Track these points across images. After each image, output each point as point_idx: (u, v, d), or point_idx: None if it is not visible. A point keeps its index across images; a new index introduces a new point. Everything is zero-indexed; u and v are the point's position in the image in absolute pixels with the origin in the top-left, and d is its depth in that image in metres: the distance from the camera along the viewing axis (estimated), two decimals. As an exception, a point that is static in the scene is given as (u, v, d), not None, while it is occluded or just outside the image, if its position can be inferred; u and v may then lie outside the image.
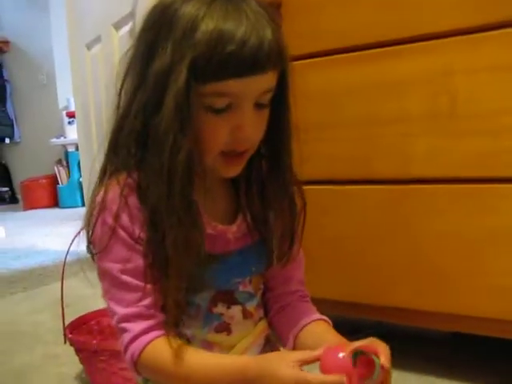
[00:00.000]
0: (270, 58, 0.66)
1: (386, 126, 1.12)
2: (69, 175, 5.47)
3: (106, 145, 0.76)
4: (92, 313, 1.48)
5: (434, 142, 1.09)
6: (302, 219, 0.81)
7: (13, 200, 6.17)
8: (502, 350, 1.29)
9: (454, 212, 1.09)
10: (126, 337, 0.72)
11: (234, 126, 0.69)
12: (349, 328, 0.86)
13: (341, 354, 0.62)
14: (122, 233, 0.71)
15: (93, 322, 1.45)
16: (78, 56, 2.61)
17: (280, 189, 0.79)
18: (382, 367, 0.62)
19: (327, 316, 0.83)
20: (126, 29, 1.98)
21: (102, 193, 0.74)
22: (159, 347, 0.71)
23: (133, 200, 0.71)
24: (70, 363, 1.43)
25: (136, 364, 0.72)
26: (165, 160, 0.67)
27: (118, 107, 0.76)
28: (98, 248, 0.74)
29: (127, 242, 0.71)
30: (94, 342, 1.24)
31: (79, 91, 2.68)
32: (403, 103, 1.10)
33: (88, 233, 0.75)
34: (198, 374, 0.70)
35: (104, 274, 0.74)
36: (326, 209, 1.01)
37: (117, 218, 0.71)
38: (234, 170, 0.74)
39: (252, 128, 0.69)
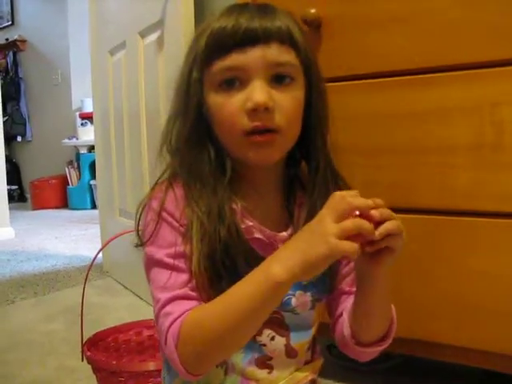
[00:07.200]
0: (271, 31, 0.70)
1: (429, 154, 1.08)
2: (79, 177, 5.45)
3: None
4: (108, 329, 1.44)
5: (478, 173, 1.05)
6: None
7: (21, 198, 6.16)
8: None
9: (494, 247, 1.05)
10: (169, 320, 0.68)
11: (245, 99, 0.69)
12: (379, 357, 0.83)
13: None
14: (167, 217, 0.72)
15: (109, 339, 1.41)
16: (99, 61, 2.59)
17: (320, 196, 0.75)
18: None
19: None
20: (153, 37, 1.95)
21: (151, 189, 0.77)
22: (197, 309, 0.68)
23: (179, 191, 0.73)
24: (86, 379, 1.39)
25: (178, 344, 0.66)
26: (192, 160, 0.74)
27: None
28: (146, 236, 0.73)
29: (173, 225, 0.72)
30: (114, 362, 1.20)
31: (99, 96, 2.66)
32: (448, 132, 1.06)
33: (137, 223, 0.75)
34: (232, 299, 0.65)
35: (150, 262, 0.73)
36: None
37: (162, 203, 0.72)
38: (264, 154, 0.72)
39: (263, 96, 0.68)
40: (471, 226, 1.07)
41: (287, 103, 0.71)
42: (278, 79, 0.71)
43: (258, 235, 0.74)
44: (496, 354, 1.06)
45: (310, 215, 0.75)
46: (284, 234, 0.77)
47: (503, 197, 1.04)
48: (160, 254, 0.71)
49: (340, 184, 0.81)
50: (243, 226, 0.73)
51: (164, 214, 0.72)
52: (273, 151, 0.72)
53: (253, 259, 0.69)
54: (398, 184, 1.12)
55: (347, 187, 0.81)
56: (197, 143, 0.74)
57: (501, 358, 1.06)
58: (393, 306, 0.79)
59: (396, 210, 1.14)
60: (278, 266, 0.62)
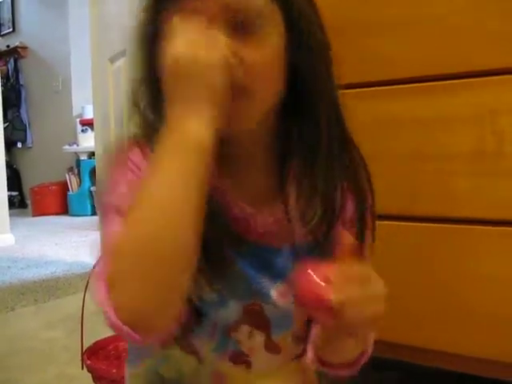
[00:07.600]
0: None
1: (430, 162, 1.08)
2: (80, 183, 5.45)
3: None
4: (109, 338, 1.44)
5: (478, 181, 1.05)
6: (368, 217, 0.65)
7: (21, 205, 6.16)
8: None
9: (495, 255, 1.05)
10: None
11: None
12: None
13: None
14: (131, 165, 0.62)
15: (110, 347, 1.41)
16: (100, 68, 2.60)
17: (321, 170, 0.64)
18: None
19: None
20: (153, 45, 1.95)
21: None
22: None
23: (146, 151, 0.62)
24: (86, 388, 1.39)
25: (106, 279, 0.52)
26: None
27: None
28: (106, 186, 0.65)
29: (136, 173, 0.61)
30: (114, 370, 1.20)
31: (99, 102, 2.66)
32: (449, 140, 1.06)
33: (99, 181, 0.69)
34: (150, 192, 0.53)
35: (105, 211, 0.61)
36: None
37: (127, 154, 0.63)
38: (230, 121, 0.57)
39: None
40: (470, 234, 1.07)
41: (255, 57, 0.57)
42: (242, 26, 0.57)
43: (236, 212, 0.64)
44: (497, 360, 1.06)
45: (303, 196, 0.64)
46: (265, 213, 0.65)
47: (503, 205, 1.04)
48: (114, 199, 0.61)
49: (353, 156, 0.71)
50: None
51: (129, 163, 0.62)
52: (240, 117, 0.58)
53: (223, 234, 0.61)
54: (397, 192, 1.12)
55: (363, 161, 0.72)
56: (157, 107, 0.60)
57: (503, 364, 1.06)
58: (372, 334, 0.67)
59: (397, 218, 1.16)
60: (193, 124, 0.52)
